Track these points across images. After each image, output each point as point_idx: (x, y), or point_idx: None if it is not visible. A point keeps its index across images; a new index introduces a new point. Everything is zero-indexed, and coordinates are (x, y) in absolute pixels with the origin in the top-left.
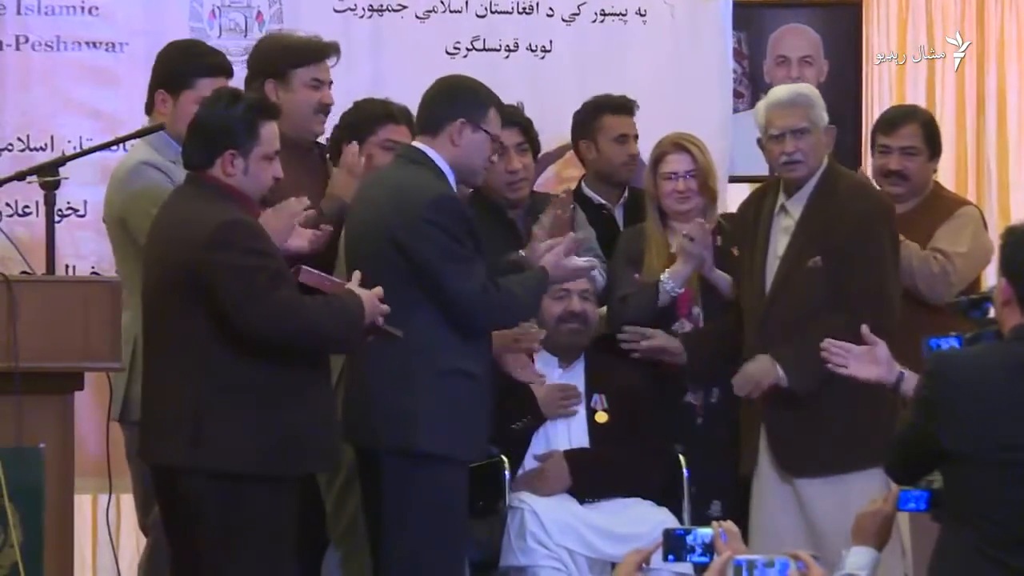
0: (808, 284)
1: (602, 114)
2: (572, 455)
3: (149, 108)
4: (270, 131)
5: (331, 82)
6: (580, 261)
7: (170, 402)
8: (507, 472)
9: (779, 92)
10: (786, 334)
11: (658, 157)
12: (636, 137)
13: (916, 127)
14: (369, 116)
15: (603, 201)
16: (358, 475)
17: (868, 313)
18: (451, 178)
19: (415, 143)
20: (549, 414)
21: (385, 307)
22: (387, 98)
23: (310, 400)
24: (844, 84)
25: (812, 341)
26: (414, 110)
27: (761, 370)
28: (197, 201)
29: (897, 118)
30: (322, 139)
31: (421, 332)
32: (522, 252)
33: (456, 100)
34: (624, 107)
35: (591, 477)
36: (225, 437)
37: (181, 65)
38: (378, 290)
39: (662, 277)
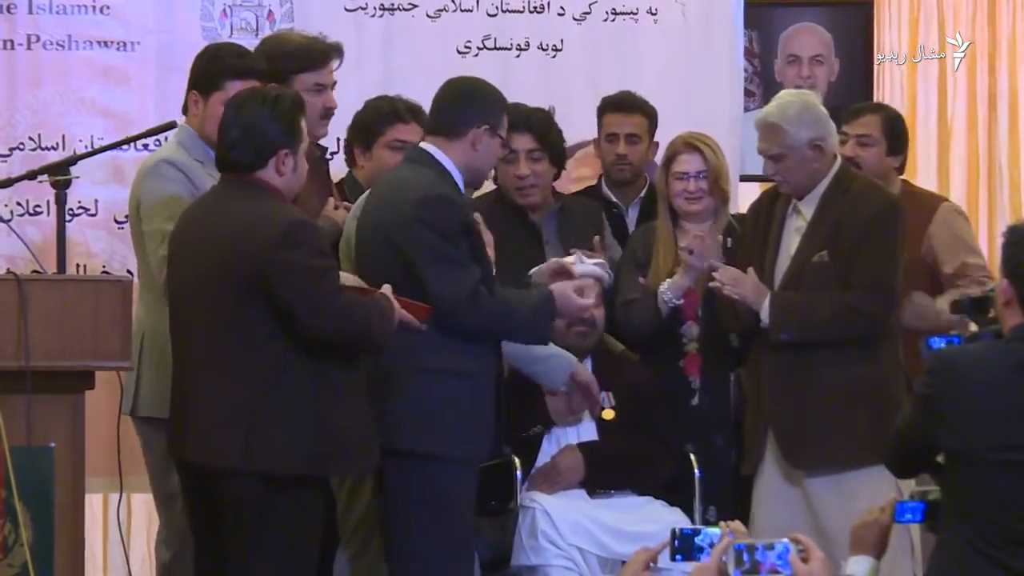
0: (815, 278)
1: (603, 112)
2: (586, 447)
3: (185, 109)
4: (305, 126)
5: (334, 84)
6: (586, 301)
7: (217, 403)
8: (518, 472)
9: (760, 113)
10: None
11: (670, 156)
12: (634, 136)
13: (876, 118)
14: (377, 117)
15: (615, 200)
16: (372, 475)
17: (866, 299)
18: (459, 180)
19: (422, 144)
20: (559, 421)
21: (405, 314)
22: (397, 95)
23: (350, 401)
24: (855, 83)
25: (808, 302)
26: (426, 109)
27: (754, 288)
28: (249, 201)
29: (859, 109)
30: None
31: (420, 334)
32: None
33: (480, 105)
34: (619, 104)
35: (604, 469)
36: (277, 440)
37: (211, 67)
38: (388, 288)
39: (661, 288)
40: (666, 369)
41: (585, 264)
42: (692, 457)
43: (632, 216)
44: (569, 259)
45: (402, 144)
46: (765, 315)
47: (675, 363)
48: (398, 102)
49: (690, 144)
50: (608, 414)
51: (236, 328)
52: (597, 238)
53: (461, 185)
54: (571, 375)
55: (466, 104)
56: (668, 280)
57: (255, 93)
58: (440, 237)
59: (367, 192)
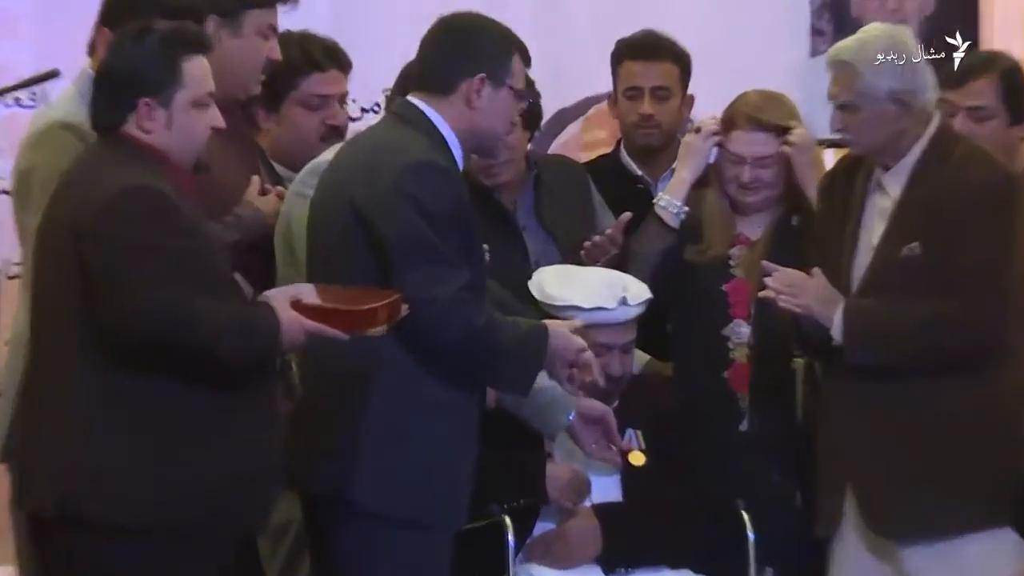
0: (905, 277)
1: (620, 60)
2: (603, 511)
3: (92, 49)
4: (197, 68)
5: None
6: (583, 343)
7: (46, 427)
8: (510, 536)
9: (832, 50)
10: None
11: (725, 126)
12: (661, 90)
13: (989, 81)
14: (285, 66)
15: (639, 173)
16: (307, 535)
17: (971, 305)
18: (456, 150)
19: (412, 98)
20: (558, 500)
21: (312, 325)
22: (307, 30)
23: (237, 433)
24: (957, 13)
25: (895, 312)
26: (387, 56)
27: (820, 296)
28: (107, 165)
29: (967, 70)
30: None
31: (386, 345)
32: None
33: (474, 49)
34: (641, 49)
35: (627, 539)
36: (111, 477)
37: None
38: (291, 289)
39: (656, 199)
40: (705, 383)
41: (629, 307)
42: (744, 515)
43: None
44: (609, 301)
45: (322, 99)
46: (837, 332)
47: (718, 375)
48: (310, 42)
49: (754, 120)
50: (637, 458)
51: (68, 328)
52: (608, 230)
53: (459, 154)
54: (578, 412)
55: (456, 49)
56: (667, 188)
57: (126, 28)
58: (425, 219)
59: (321, 160)
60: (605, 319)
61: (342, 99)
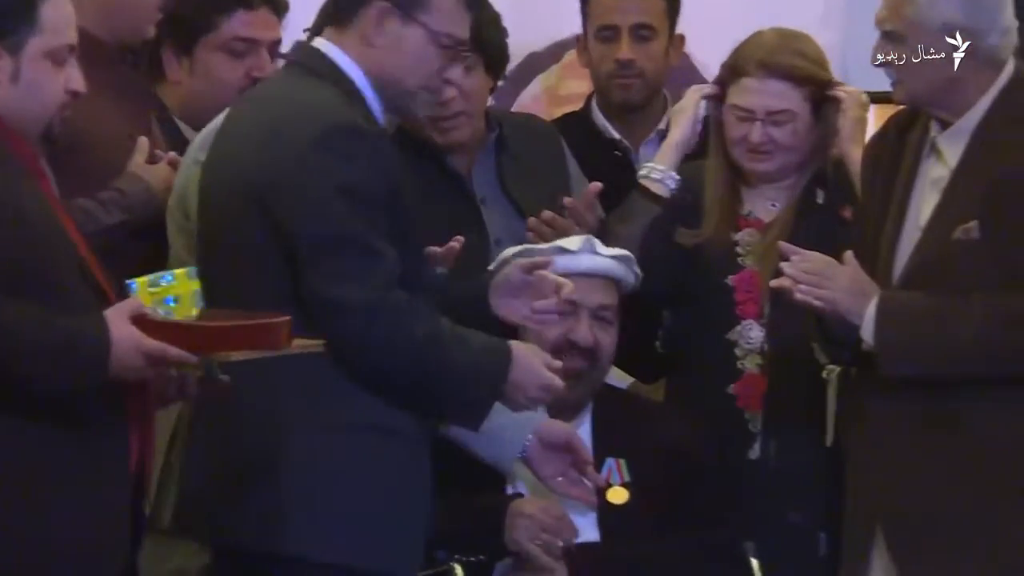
0: (959, 265)
1: None
2: (576, 555)
3: None
4: (59, 13)
5: None
6: (553, 377)
7: None
8: None
9: None
10: None
11: (731, 73)
12: (644, 29)
13: None
14: (202, 1)
15: (615, 135)
16: None
17: None
18: (375, 104)
19: (318, 43)
20: (514, 546)
21: (152, 345)
22: None
23: (67, 484)
24: None
25: (943, 311)
26: None
27: (851, 288)
28: None
29: None
30: None
31: (313, 361)
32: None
33: None
34: None
35: None
36: None
37: None
38: (133, 303)
39: (639, 169)
40: (707, 400)
41: (598, 255)
42: (753, 563)
43: (646, 157)
44: (571, 242)
45: (248, 44)
46: (868, 332)
47: (722, 390)
48: None
49: (768, 65)
50: (617, 495)
51: None
52: (568, 200)
53: (378, 112)
54: (536, 436)
55: None
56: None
57: None
58: (344, 198)
59: (220, 120)
60: (566, 266)
61: (273, 48)
